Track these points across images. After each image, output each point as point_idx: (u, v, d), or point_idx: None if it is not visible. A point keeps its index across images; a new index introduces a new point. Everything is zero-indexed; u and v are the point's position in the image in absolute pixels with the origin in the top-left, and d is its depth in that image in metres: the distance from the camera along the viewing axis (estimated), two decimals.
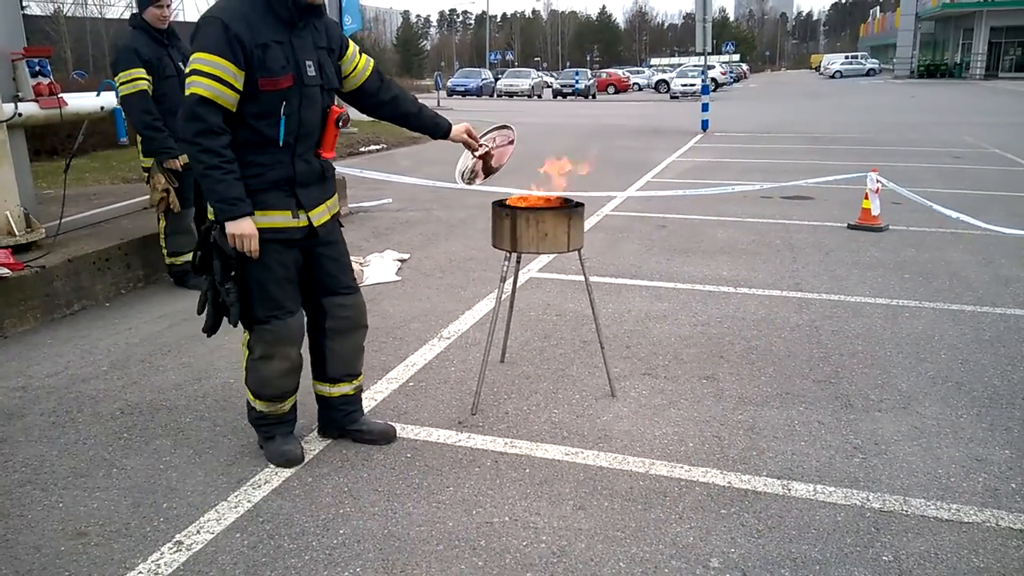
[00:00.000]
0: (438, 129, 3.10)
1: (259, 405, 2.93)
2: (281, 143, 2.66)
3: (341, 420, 3.11)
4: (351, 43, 2.93)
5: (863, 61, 66.23)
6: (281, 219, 2.71)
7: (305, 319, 2.92)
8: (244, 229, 2.59)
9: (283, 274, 2.76)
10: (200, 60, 2.53)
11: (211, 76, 2.52)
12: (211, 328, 2.80)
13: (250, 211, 2.61)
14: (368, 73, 2.96)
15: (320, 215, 2.82)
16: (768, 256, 6.14)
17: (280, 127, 2.64)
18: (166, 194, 4.91)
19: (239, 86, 2.56)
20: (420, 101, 3.12)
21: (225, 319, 2.77)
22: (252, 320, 2.78)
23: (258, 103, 2.60)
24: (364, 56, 2.97)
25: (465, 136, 3.13)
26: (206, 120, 2.52)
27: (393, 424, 3.21)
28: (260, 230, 2.66)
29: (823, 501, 2.71)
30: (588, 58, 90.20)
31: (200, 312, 2.79)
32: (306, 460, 2.98)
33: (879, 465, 2.95)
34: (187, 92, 2.55)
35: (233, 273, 2.70)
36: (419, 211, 8.23)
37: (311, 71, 2.69)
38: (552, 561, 2.39)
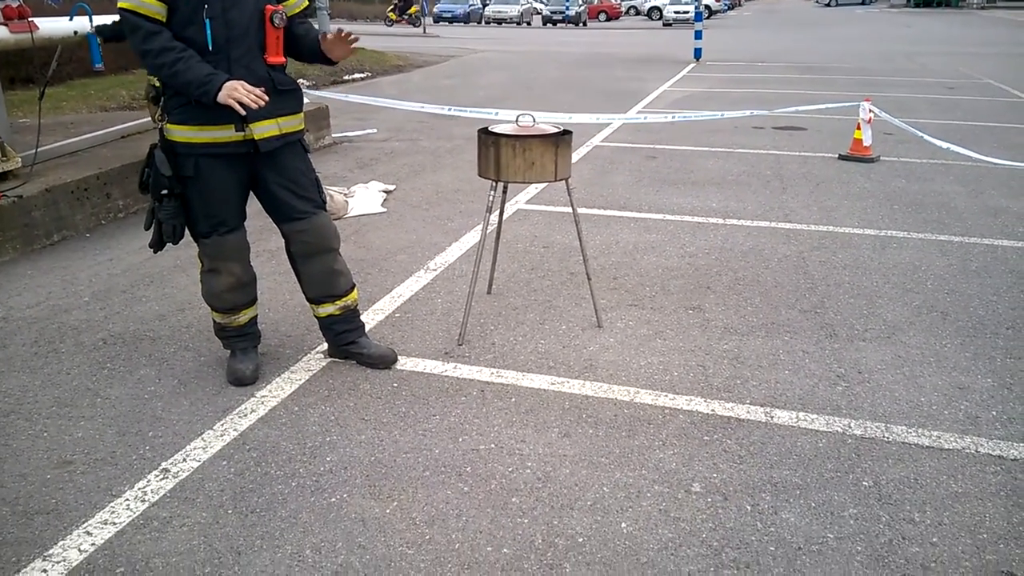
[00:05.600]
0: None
1: (216, 316, 3.07)
2: (211, 47, 2.64)
3: (333, 340, 3.18)
4: None
5: None
6: (222, 134, 2.72)
7: (245, 235, 2.98)
8: (230, 90, 2.58)
9: (224, 191, 2.83)
10: None
11: None
12: (156, 244, 2.89)
13: (226, 79, 2.60)
14: (300, 8, 2.89)
15: (264, 129, 2.76)
16: (758, 187, 6.09)
17: (207, 31, 2.62)
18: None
19: None
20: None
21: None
22: (195, 235, 2.90)
23: (180, 10, 2.61)
24: None
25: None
26: (140, 26, 2.58)
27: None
28: (200, 144, 2.71)
29: (805, 428, 2.74)
30: None
31: (147, 228, 2.88)
32: (292, 390, 2.99)
33: (862, 393, 2.98)
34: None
35: (165, 192, 2.76)
36: (405, 141, 8.08)
37: None
38: (537, 486, 2.42)
